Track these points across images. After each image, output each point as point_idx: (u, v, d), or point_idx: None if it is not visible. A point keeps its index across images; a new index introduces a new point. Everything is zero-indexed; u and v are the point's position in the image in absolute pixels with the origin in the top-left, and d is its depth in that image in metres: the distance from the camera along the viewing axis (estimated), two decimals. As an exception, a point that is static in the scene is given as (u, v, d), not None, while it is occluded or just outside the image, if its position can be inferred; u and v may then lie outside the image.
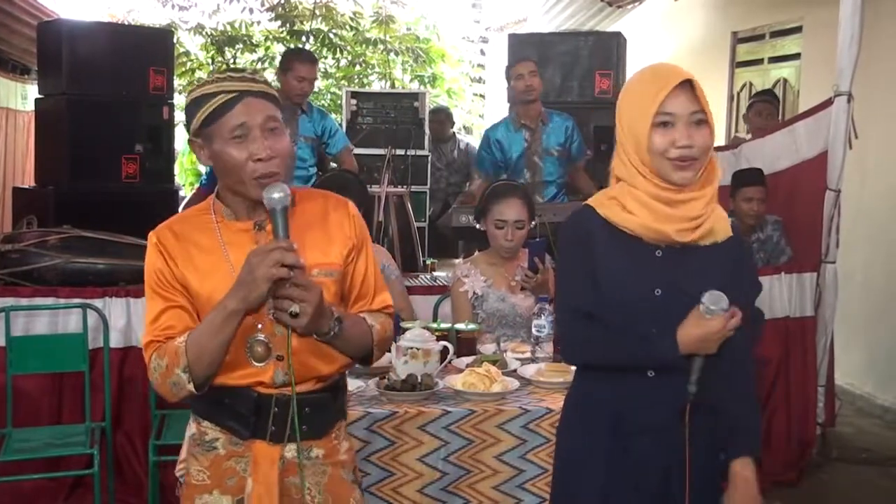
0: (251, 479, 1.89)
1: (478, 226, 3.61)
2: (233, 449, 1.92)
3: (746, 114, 6.28)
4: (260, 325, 1.86)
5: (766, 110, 5.96)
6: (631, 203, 1.89)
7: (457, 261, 5.35)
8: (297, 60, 4.99)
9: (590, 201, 1.99)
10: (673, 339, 1.85)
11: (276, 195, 1.80)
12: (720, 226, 1.89)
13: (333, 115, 6.14)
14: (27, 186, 6.00)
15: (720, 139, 7.38)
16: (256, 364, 1.87)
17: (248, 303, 1.77)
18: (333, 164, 5.35)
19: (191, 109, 1.88)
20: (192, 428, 1.99)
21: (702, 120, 1.84)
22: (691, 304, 1.85)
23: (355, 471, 2.05)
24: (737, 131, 7.59)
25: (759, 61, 7.41)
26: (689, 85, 1.84)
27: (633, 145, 1.87)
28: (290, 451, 1.92)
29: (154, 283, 1.89)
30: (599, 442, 1.96)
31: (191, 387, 1.82)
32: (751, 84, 7.49)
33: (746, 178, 4.70)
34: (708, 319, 1.84)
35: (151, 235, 1.92)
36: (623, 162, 1.91)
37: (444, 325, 3.29)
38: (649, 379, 1.91)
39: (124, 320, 3.75)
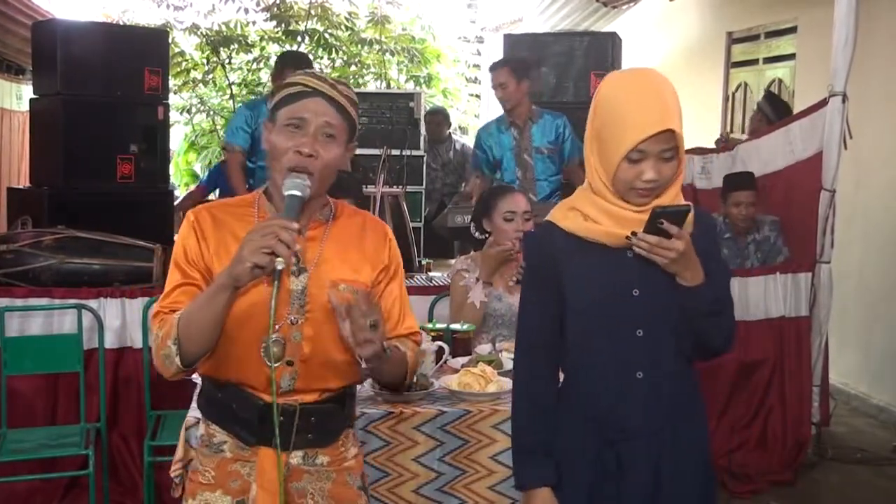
0: (255, 484, 1.89)
1: (477, 234, 3.59)
2: (239, 453, 1.93)
3: None
4: (277, 326, 1.85)
5: (756, 116, 6.00)
6: (592, 211, 1.90)
7: (452, 261, 5.36)
8: (288, 68, 4.97)
9: (550, 216, 1.99)
10: (542, 471, 1.97)
11: (297, 180, 1.82)
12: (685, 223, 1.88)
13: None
14: (22, 187, 6.00)
15: (715, 139, 7.39)
16: (270, 365, 1.85)
17: (232, 277, 1.73)
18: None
19: (275, 94, 1.94)
20: (200, 428, 2.00)
21: (672, 156, 1.83)
22: (670, 301, 1.87)
23: (363, 477, 2.04)
24: (732, 132, 7.60)
25: (753, 62, 7.42)
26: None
27: (602, 163, 1.87)
28: (296, 457, 1.92)
29: (179, 258, 1.89)
30: (587, 441, 1.97)
31: (178, 360, 1.79)
32: (746, 84, 7.50)
33: (736, 182, 4.72)
34: None
35: (189, 213, 1.93)
36: (591, 165, 1.91)
37: (439, 326, 3.29)
38: (637, 380, 1.92)
39: (119, 321, 3.74)
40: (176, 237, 1.93)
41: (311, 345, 1.88)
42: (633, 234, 1.83)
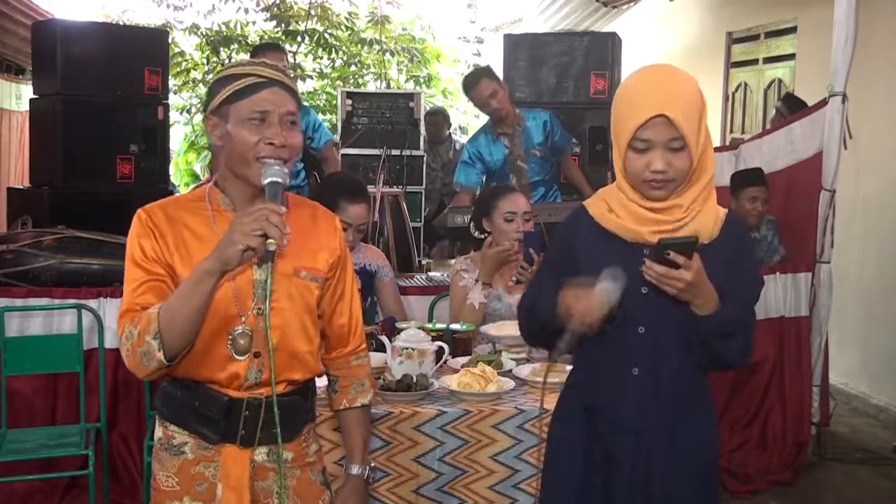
0: (221, 484, 1.87)
1: (476, 234, 3.59)
2: (202, 454, 1.89)
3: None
4: (244, 318, 1.85)
5: (775, 118, 5.97)
6: (615, 204, 1.93)
7: (452, 261, 5.36)
8: (259, 52, 4.96)
9: (585, 202, 2.03)
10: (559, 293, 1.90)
11: (274, 168, 1.81)
12: (705, 227, 1.89)
13: (329, 116, 6.14)
14: (21, 187, 6.00)
15: (715, 140, 7.37)
16: (238, 357, 1.85)
17: (222, 261, 1.70)
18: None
19: (215, 87, 1.88)
20: (157, 431, 1.95)
21: (680, 147, 1.83)
22: (678, 303, 1.87)
23: (324, 472, 2.05)
24: (731, 131, 7.60)
25: (753, 61, 7.43)
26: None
27: (617, 158, 1.90)
28: (260, 454, 1.90)
29: (137, 256, 1.84)
30: (579, 435, 2.00)
31: (160, 355, 1.74)
32: (746, 84, 7.50)
33: (749, 178, 4.70)
34: (587, 292, 1.85)
35: (140, 212, 1.88)
36: (615, 160, 1.93)
37: (439, 326, 3.29)
38: (634, 376, 1.94)
39: (119, 321, 3.73)
40: (129, 235, 1.87)
41: (278, 334, 1.87)
42: (643, 261, 1.83)
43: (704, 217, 1.90)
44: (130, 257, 1.85)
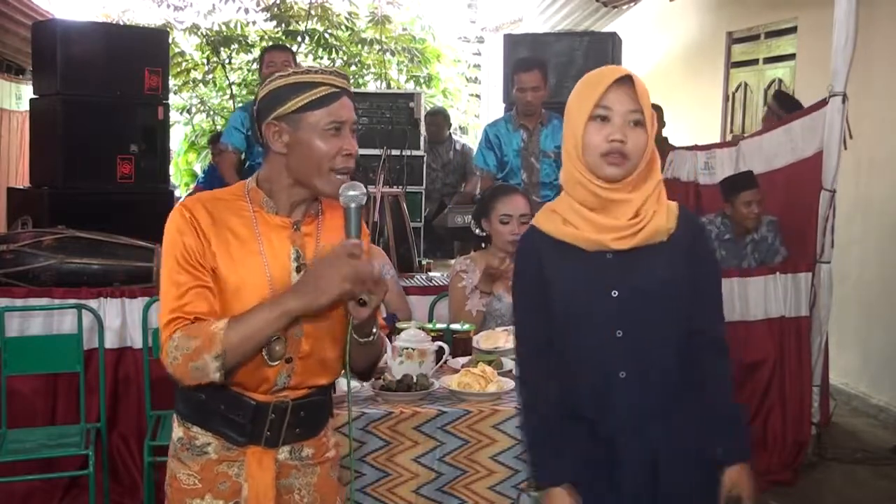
0: (247, 483, 1.89)
1: (477, 231, 3.59)
2: (225, 454, 1.90)
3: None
4: None
5: (767, 116, 5.96)
6: (571, 216, 1.94)
7: (452, 261, 5.36)
8: (266, 53, 5.08)
9: (534, 220, 2.03)
10: (555, 470, 1.93)
11: (352, 192, 1.82)
12: (664, 225, 1.91)
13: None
14: (21, 187, 6.00)
15: (715, 139, 7.39)
16: (271, 363, 1.86)
17: (311, 308, 1.75)
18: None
19: (283, 92, 1.85)
20: (177, 432, 1.95)
21: (639, 121, 1.87)
22: (649, 302, 1.88)
23: (339, 468, 2.07)
24: (732, 131, 7.60)
25: (754, 61, 7.42)
26: (629, 82, 1.88)
27: (573, 142, 1.92)
28: (283, 452, 1.93)
29: (181, 257, 1.81)
30: (578, 440, 1.99)
31: (217, 375, 1.75)
32: (746, 84, 7.50)
33: (742, 182, 4.71)
34: None
35: (181, 208, 1.85)
36: (565, 166, 1.96)
37: (439, 326, 3.29)
38: (621, 380, 1.93)
39: (119, 321, 3.74)
40: (169, 229, 1.84)
41: (311, 341, 1.89)
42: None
43: (660, 217, 1.91)
44: (172, 257, 1.83)
